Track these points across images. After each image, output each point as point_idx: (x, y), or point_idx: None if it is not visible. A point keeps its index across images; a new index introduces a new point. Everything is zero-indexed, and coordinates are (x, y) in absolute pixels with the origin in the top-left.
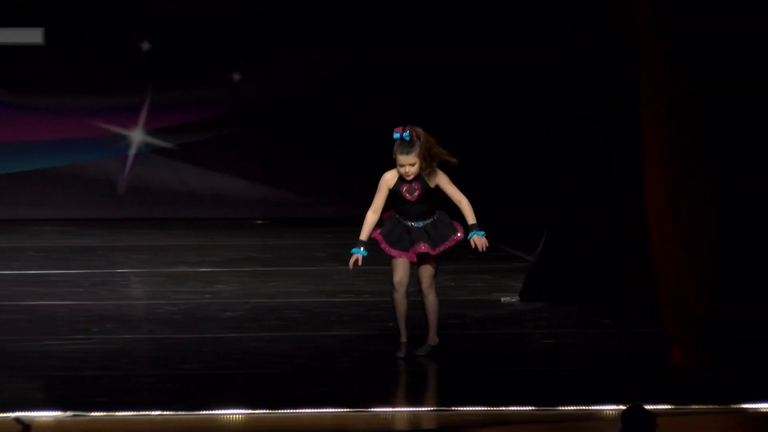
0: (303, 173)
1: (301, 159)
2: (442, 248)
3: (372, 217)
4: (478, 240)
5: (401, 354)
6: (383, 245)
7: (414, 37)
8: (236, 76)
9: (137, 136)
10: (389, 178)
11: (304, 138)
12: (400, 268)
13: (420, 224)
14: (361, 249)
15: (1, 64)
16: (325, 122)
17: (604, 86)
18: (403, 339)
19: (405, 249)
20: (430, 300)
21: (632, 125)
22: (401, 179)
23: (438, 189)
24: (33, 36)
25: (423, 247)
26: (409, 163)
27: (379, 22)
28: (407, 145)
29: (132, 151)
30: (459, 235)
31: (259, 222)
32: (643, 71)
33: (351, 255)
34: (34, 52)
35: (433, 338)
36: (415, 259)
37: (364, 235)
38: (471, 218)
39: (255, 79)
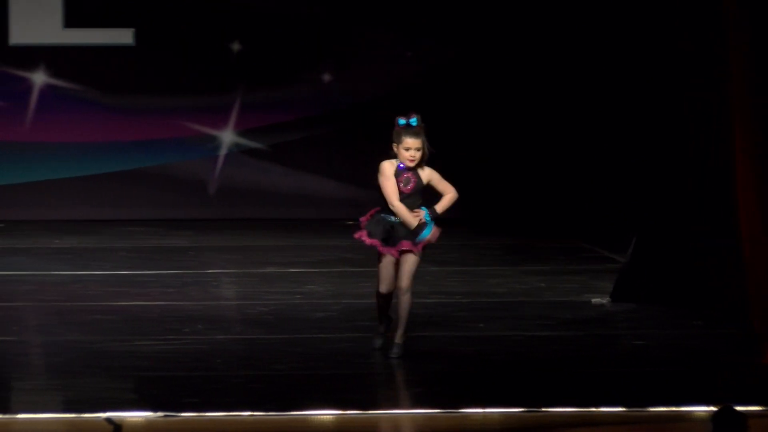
0: None
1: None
2: (420, 245)
3: (399, 199)
4: (420, 213)
5: (379, 344)
6: (371, 242)
7: (506, 32)
8: (326, 77)
9: (227, 136)
10: (389, 166)
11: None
12: (388, 275)
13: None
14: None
15: (92, 65)
16: None
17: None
18: (383, 330)
19: (392, 245)
20: (406, 299)
21: (722, 123)
22: (399, 170)
23: (429, 186)
24: (123, 36)
25: (405, 245)
26: (415, 147)
27: (470, 20)
28: (414, 130)
29: (222, 152)
30: (434, 234)
31: (349, 223)
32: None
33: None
34: (124, 52)
35: (400, 336)
36: (397, 256)
37: (413, 220)
38: (440, 206)
39: (345, 79)
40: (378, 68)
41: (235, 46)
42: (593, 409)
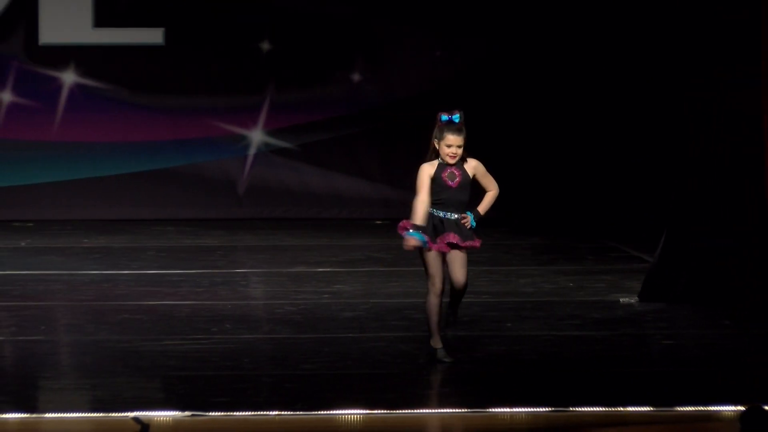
0: None
1: (422, 159)
2: (468, 244)
3: (423, 202)
4: (468, 219)
5: (448, 358)
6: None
7: (535, 31)
8: (356, 76)
9: (257, 136)
10: (428, 168)
11: (424, 137)
12: (438, 273)
13: (453, 216)
14: (419, 233)
15: (122, 65)
16: None
17: (725, 77)
18: (439, 345)
19: (435, 242)
20: (463, 293)
21: (752, 118)
22: (441, 166)
23: (474, 180)
24: (153, 36)
25: (452, 237)
26: (457, 144)
27: (499, 18)
28: (457, 127)
29: (252, 152)
30: (477, 242)
31: (378, 222)
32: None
33: (407, 237)
34: (154, 52)
35: (438, 340)
36: (447, 250)
37: (419, 219)
38: (482, 207)
39: (375, 79)
40: (408, 68)
41: (265, 46)
42: (621, 409)
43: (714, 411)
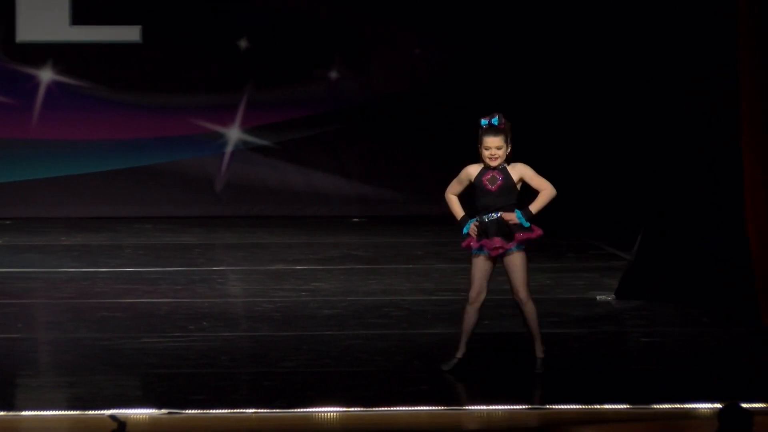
0: (401, 171)
1: (400, 156)
2: (519, 237)
3: (451, 194)
4: (512, 216)
5: (447, 367)
6: (466, 243)
7: (516, 29)
8: (333, 74)
9: (234, 133)
10: (471, 170)
11: (403, 135)
12: (478, 278)
13: (494, 216)
14: (468, 222)
15: (100, 62)
16: (423, 120)
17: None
18: (459, 355)
19: (485, 243)
20: (530, 308)
21: (725, 122)
22: (484, 169)
23: (522, 183)
24: (131, 34)
25: (497, 242)
26: (495, 146)
27: (477, 15)
28: (495, 129)
29: (229, 149)
30: (536, 232)
31: (355, 220)
32: (742, 63)
33: (465, 234)
34: (131, 49)
35: (540, 349)
36: (494, 253)
37: (459, 211)
38: (535, 206)
39: (353, 77)
40: (386, 66)
41: (243, 44)
42: (599, 407)
43: (692, 408)
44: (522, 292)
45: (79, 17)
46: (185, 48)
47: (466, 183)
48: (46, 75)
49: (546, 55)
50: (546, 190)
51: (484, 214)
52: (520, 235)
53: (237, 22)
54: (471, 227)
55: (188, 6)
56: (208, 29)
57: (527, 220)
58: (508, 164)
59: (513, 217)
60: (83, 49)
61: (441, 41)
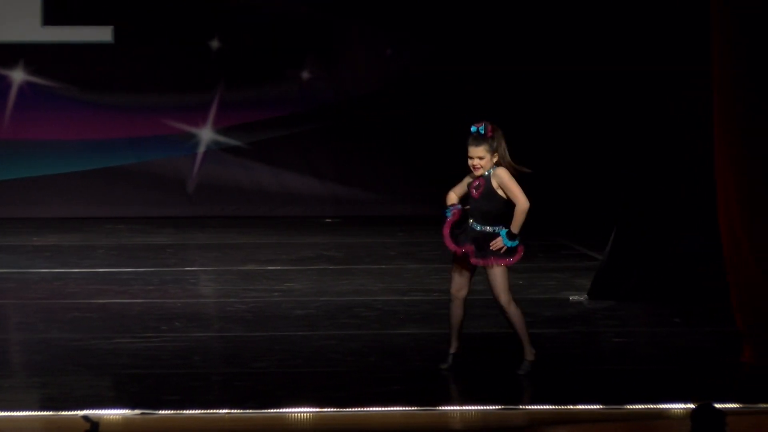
0: (374, 171)
1: (372, 157)
2: (480, 262)
3: (453, 192)
4: (498, 242)
5: (445, 365)
6: (446, 239)
7: (489, 39)
8: (305, 74)
9: (206, 134)
10: (468, 176)
11: (375, 136)
12: (457, 276)
13: (477, 227)
14: (450, 207)
15: (71, 63)
16: (395, 120)
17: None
18: (452, 350)
19: (458, 244)
20: (512, 313)
21: (704, 126)
22: (473, 176)
23: (502, 191)
24: (102, 34)
25: (468, 248)
26: (477, 156)
27: (452, 18)
28: (477, 138)
29: (201, 150)
30: (506, 260)
31: (328, 220)
32: (716, 71)
33: (446, 216)
34: (103, 50)
35: (529, 352)
36: (460, 253)
37: (452, 201)
38: (514, 224)
39: (325, 77)
40: (358, 66)
41: (214, 44)
42: (572, 407)
43: (664, 409)
44: (502, 297)
45: (50, 18)
46: (157, 48)
47: (465, 187)
48: (17, 75)
49: (520, 52)
50: (518, 206)
51: (472, 221)
52: (480, 262)
53: (208, 23)
54: (453, 211)
55: (160, 6)
56: (179, 30)
57: (513, 239)
58: (495, 169)
59: (499, 242)
60: (55, 50)
61: (413, 41)
